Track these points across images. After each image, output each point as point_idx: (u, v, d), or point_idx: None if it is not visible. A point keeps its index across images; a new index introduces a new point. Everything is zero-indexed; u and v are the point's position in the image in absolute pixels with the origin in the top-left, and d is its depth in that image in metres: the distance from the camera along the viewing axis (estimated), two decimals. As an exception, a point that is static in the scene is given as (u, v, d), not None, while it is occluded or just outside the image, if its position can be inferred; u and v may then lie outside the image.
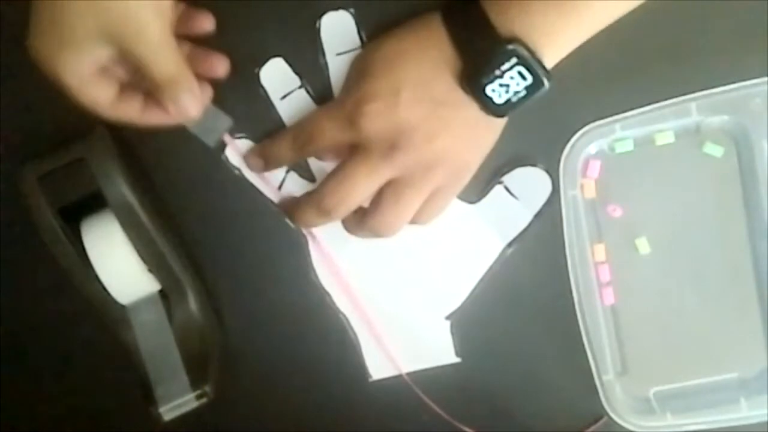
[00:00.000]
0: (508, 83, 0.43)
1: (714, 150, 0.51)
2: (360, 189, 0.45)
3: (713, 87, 0.50)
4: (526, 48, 0.42)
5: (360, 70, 0.47)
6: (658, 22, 0.49)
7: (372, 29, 0.49)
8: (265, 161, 0.51)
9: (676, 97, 0.50)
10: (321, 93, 0.51)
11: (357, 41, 0.49)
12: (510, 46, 0.42)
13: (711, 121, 0.51)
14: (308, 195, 0.49)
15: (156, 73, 0.42)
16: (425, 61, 0.45)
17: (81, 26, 0.40)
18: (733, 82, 0.50)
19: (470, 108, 0.44)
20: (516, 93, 0.43)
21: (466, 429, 0.53)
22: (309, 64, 0.50)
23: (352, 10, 0.49)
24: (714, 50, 0.50)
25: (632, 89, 0.50)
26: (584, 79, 0.50)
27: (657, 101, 0.50)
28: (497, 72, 0.43)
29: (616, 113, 0.51)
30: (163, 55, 0.42)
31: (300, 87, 0.51)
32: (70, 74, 0.42)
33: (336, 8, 0.49)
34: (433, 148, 0.45)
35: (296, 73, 0.50)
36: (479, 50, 0.43)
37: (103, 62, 0.42)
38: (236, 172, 0.52)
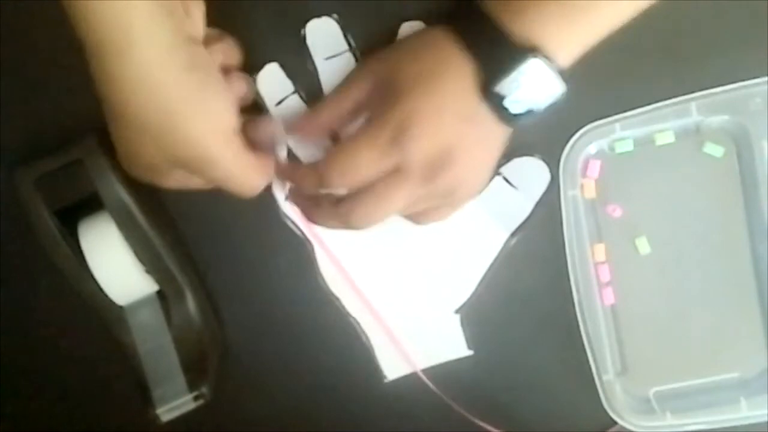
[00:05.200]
0: (527, 94, 0.43)
1: (714, 150, 0.51)
2: (396, 206, 0.45)
3: (713, 87, 0.50)
4: (545, 57, 0.42)
5: (387, 94, 0.45)
6: (658, 22, 0.49)
7: (357, 32, 0.49)
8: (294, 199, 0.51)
9: (676, 97, 0.50)
10: (312, 97, 0.50)
11: (344, 44, 0.50)
12: (531, 57, 0.42)
13: (711, 121, 0.51)
14: (336, 210, 0.46)
15: (236, 189, 0.44)
16: (450, 81, 0.44)
17: (153, 159, 0.41)
18: (733, 82, 0.50)
19: (490, 120, 0.44)
20: (534, 102, 0.43)
21: (487, 425, 0.53)
22: (300, 70, 0.50)
23: (335, 15, 0.49)
24: (714, 50, 0.50)
25: (632, 89, 0.50)
26: (584, 79, 0.49)
27: (657, 101, 0.50)
28: (516, 83, 0.42)
29: (616, 113, 0.51)
30: (240, 177, 0.43)
31: (294, 92, 0.51)
32: (167, 186, 0.44)
33: (319, 15, 0.49)
34: (466, 165, 0.44)
35: (289, 78, 0.50)
36: (499, 63, 0.42)
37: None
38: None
